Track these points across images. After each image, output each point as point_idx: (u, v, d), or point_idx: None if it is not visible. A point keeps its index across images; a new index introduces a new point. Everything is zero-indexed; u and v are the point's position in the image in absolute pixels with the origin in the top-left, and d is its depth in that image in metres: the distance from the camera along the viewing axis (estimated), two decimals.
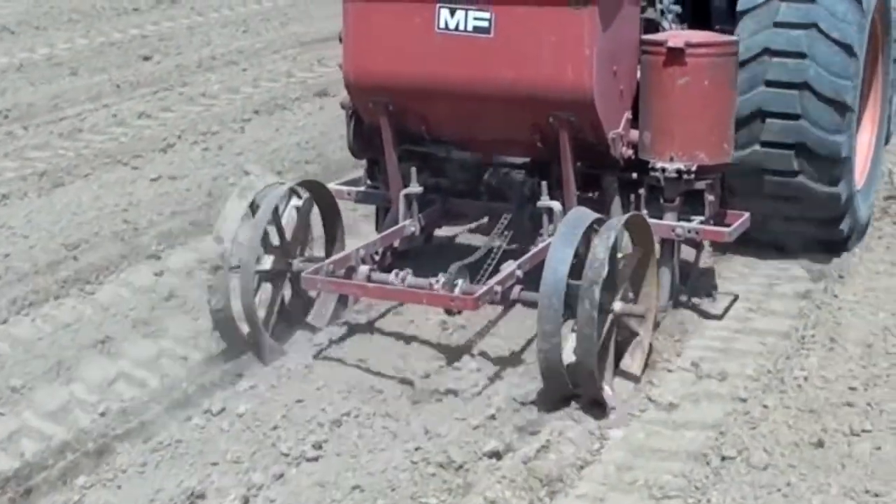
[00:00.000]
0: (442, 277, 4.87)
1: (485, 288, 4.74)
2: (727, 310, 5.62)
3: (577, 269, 4.52)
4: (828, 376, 4.84)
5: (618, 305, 4.69)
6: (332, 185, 5.74)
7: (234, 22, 12.99)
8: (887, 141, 7.53)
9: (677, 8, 6.04)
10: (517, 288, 4.90)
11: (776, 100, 5.75)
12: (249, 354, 5.05)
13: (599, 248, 4.50)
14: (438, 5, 5.06)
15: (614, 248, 4.56)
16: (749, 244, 6.02)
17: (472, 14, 5.02)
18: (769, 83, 5.75)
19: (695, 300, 5.59)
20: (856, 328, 5.31)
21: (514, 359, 5.10)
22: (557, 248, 4.57)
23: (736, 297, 5.74)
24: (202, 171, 7.80)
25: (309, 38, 12.09)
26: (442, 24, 5.07)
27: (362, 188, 5.84)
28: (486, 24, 5.02)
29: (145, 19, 12.91)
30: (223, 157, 8.15)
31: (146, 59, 11.11)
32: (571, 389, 4.60)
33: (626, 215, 4.77)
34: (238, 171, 7.60)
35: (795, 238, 6.13)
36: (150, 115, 9.22)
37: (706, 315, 5.53)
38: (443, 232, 6.26)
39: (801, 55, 5.72)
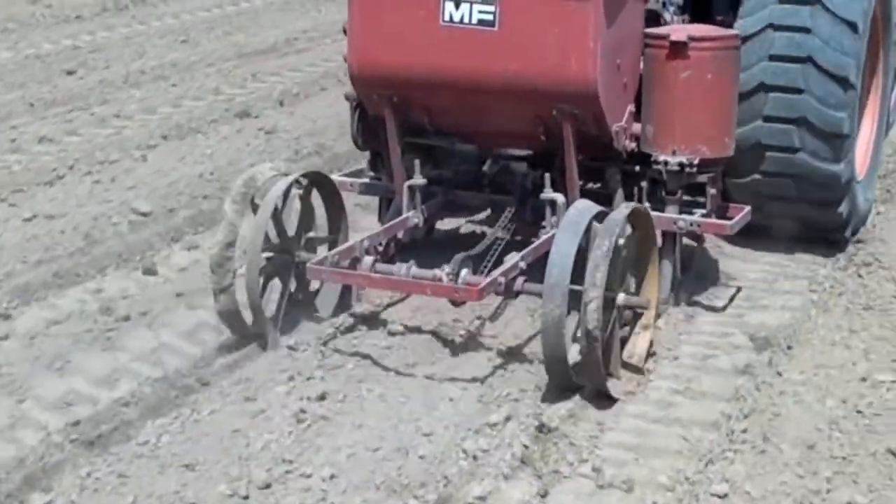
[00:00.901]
0: (446, 268, 4.91)
1: (489, 279, 4.77)
2: (727, 305, 5.64)
3: (580, 261, 4.56)
4: (754, 493, 4.02)
5: (621, 297, 4.72)
6: (335, 177, 5.77)
7: (174, 31, 12.22)
8: (887, 132, 7.58)
9: (679, 0, 6.07)
10: (521, 279, 4.93)
11: (779, 74, 5.77)
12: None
13: (603, 241, 4.53)
14: None
15: (617, 241, 4.59)
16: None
17: (476, 7, 5.05)
18: (773, 57, 5.77)
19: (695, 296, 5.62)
20: (797, 421, 4.50)
21: (517, 349, 5.12)
22: (561, 242, 4.60)
23: (738, 290, 5.77)
24: (84, 210, 6.92)
25: (250, 49, 11.49)
26: (447, 17, 5.09)
27: (365, 179, 5.87)
28: (490, 16, 5.04)
29: (82, 28, 12.12)
30: (112, 191, 7.25)
31: (70, 73, 10.27)
32: (575, 381, 4.64)
33: (629, 207, 4.80)
34: (124, 209, 6.87)
35: (793, 223, 6.11)
36: (52, 140, 8.32)
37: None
38: (444, 223, 6.29)
39: (805, 30, 5.74)
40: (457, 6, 5.07)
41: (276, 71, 10.61)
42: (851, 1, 5.79)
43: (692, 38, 5.18)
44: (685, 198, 5.42)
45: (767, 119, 5.81)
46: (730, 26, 5.82)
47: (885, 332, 5.30)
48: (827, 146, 5.82)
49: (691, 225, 5.30)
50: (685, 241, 5.56)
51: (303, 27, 12.46)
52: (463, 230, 6.41)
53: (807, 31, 5.76)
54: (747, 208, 5.57)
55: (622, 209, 4.79)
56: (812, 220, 6.06)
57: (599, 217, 4.75)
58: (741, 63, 5.53)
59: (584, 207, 4.79)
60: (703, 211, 5.39)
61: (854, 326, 5.36)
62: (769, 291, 5.76)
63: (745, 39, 5.64)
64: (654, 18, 5.85)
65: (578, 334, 4.57)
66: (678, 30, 5.32)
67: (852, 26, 5.76)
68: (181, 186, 7.36)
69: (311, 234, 5.39)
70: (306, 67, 10.74)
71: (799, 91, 5.76)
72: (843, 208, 6.03)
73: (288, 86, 10.04)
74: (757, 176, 5.88)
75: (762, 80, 5.77)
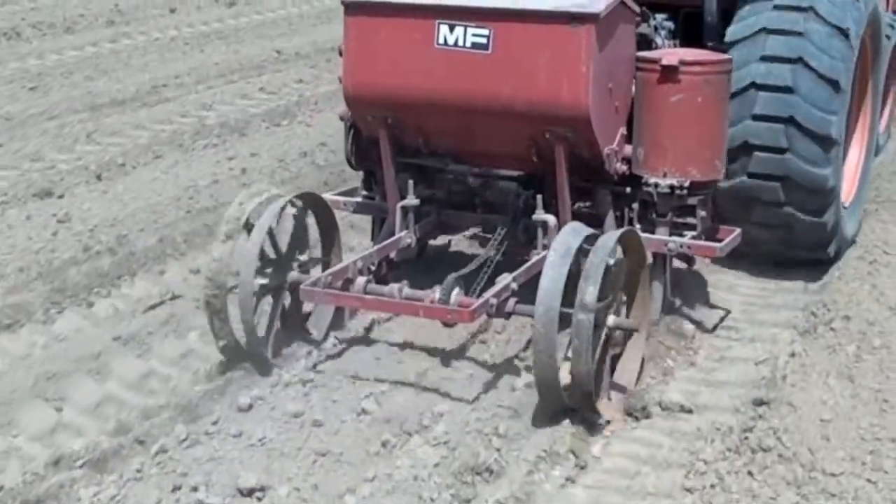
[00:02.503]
0: (438, 290, 4.95)
1: (481, 301, 4.81)
2: (717, 325, 5.70)
3: (571, 283, 4.60)
4: None
5: (611, 319, 4.77)
6: (327, 196, 5.80)
7: (26, 76, 10.81)
8: (876, 154, 7.65)
9: (670, 24, 6.13)
10: (512, 300, 4.97)
11: (762, 133, 5.84)
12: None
13: (593, 264, 4.57)
14: (438, 21, 5.13)
15: (608, 264, 4.63)
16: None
17: (471, 30, 5.09)
18: (756, 117, 5.84)
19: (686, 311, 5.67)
20: None
21: (510, 368, 5.18)
22: (553, 264, 4.64)
23: (728, 312, 5.82)
24: None
25: (106, 99, 10.06)
26: (441, 40, 5.14)
27: (358, 199, 5.90)
28: (484, 40, 5.08)
29: None
30: None
31: None
32: (567, 403, 4.67)
33: (620, 231, 4.84)
34: None
35: (778, 233, 6.14)
36: None
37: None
38: (435, 242, 6.32)
39: (798, 34, 5.81)
40: (451, 29, 5.12)
41: (119, 129, 9.23)
42: (844, 9, 5.86)
43: (683, 62, 5.24)
44: (676, 219, 5.46)
45: (757, 118, 5.86)
46: (721, 52, 5.88)
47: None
48: (812, 201, 5.89)
49: (681, 247, 5.35)
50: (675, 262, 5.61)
51: (177, 71, 11.21)
52: (454, 249, 6.45)
53: (799, 34, 5.83)
54: (737, 231, 5.62)
55: (613, 232, 4.84)
56: (797, 228, 6.04)
57: (590, 239, 4.79)
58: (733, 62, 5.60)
59: (576, 230, 4.83)
60: (694, 233, 5.43)
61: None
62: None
63: (736, 42, 5.74)
64: (646, 43, 5.92)
65: (569, 356, 4.61)
66: (670, 53, 5.37)
67: (834, 84, 5.82)
68: None
69: (305, 255, 5.41)
70: (156, 125, 9.37)
71: (789, 90, 5.82)
72: (827, 217, 6.04)
73: (122, 150, 8.65)
74: (744, 178, 5.93)
75: (753, 80, 5.83)
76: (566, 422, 4.62)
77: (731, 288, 6.15)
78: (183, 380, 5.12)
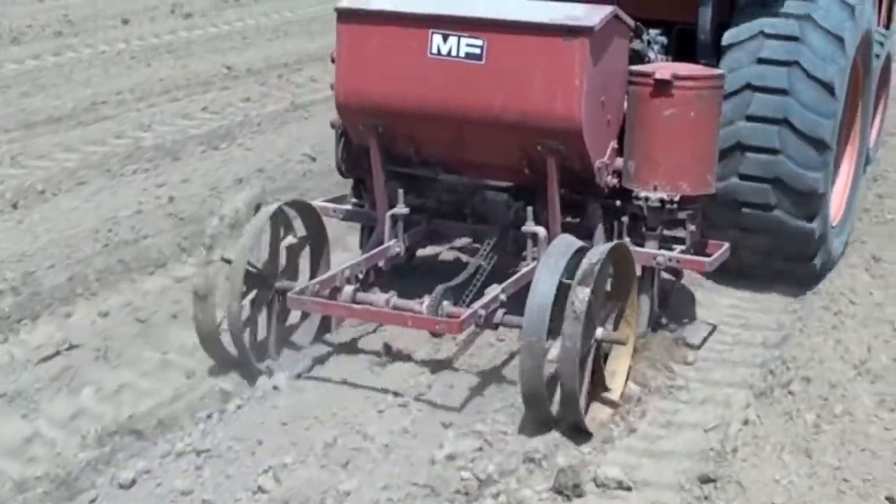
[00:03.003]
0: (427, 299, 4.94)
1: (469, 311, 4.81)
2: (705, 340, 5.68)
3: (560, 296, 4.60)
4: None
5: (599, 332, 4.77)
6: (317, 203, 5.79)
7: None
8: (865, 169, 7.67)
9: (663, 39, 6.14)
10: (501, 311, 4.97)
11: (755, 134, 5.84)
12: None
13: (583, 276, 4.57)
14: (432, 31, 5.13)
15: (597, 278, 4.63)
16: None
17: (464, 41, 5.09)
18: (750, 118, 5.85)
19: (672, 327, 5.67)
20: None
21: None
22: (542, 276, 4.63)
23: (714, 328, 5.81)
24: None
25: (41, 117, 9.60)
26: (435, 50, 5.13)
27: (348, 206, 5.89)
28: (478, 50, 5.08)
29: None
30: None
31: None
32: (553, 415, 4.67)
33: (610, 245, 4.84)
34: None
35: (767, 271, 6.20)
36: None
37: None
38: (425, 251, 6.31)
39: (783, 91, 5.82)
40: (445, 39, 5.11)
41: (48, 151, 8.72)
42: (829, 62, 5.87)
43: (676, 77, 5.24)
44: (665, 233, 5.47)
45: (750, 119, 5.86)
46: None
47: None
48: (802, 205, 5.89)
49: (670, 260, 5.35)
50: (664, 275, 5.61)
51: (120, 87, 10.74)
52: (444, 258, 6.44)
53: (796, 39, 5.84)
54: (726, 245, 5.63)
55: (603, 245, 4.84)
56: (784, 233, 6.05)
57: (580, 253, 4.79)
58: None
59: (566, 243, 4.83)
60: (683, 247, 5.44)
61: None
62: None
63: (733, 46, 5.77)
64: (638, 58, 5.93)
65: (557, 368, 4.60)
66: (663, 67, 5.37)
67: (829, 88, 5.84)
68: None
69: (294, 263, 5.40)
70: (88, 146, 8.86)
71: (784, 92, 5.82)
72: (817, 260, 6.14)
73: (46, 175, 8.14)
74: (735, 179, 5.93)
75: (748, 81, 5.84)
76: None
77: None
78: (68, 445, 4.63)
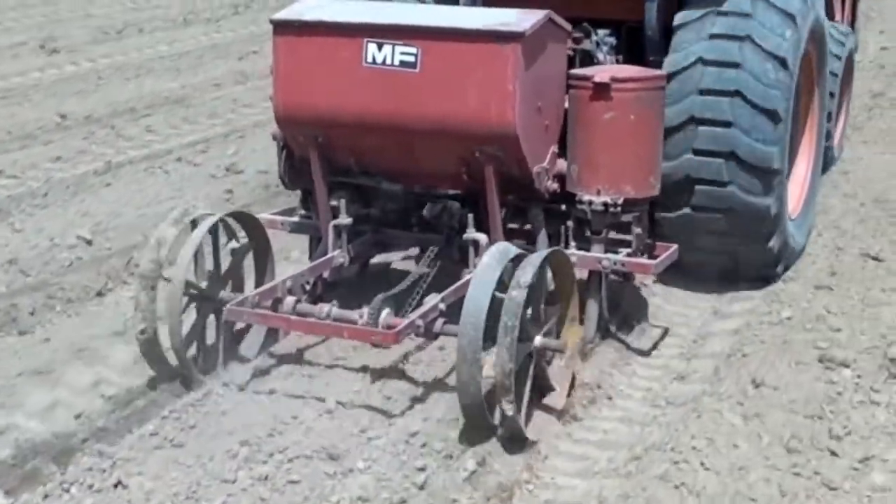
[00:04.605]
0: (366, 310, 4.91)
1: (406, 322, 4.78)
2: (655, 345, 5.65)
3: (496, 304, 4.56)
4: None
5: (538, 340, 4.73)
6: (265, 215, 5.78)
7: None
8: (827, 168, 7.65)
9: (612, 40, 6.12)
10: (440, 321, 4.94)
11: (708, 107, 5.79)
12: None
13: (517, 284, 4.54)
14: (366, 39, 5.11)
15: (533, 284, 4.60)
16: None
17: (398, 49, 5.07)
18: (702, 91, 5.79)
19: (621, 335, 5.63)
20: None
21: (440, 384, 5.10)
22: (477, 284, 4.60)
23: (666, 331, 5.78)
24: None
25: None
26: (369, 59, 5.11)
27: (295, 218, 5.87)
28: (412, 58, 5.06)
29: None
30: None
31: None
32: (491, 422, 4.64)
33: (547, 251, 4.81)
34: None
35: (724, 259, 6.12)
36: None
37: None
38: (382, 259, 6.29)
39: (735, 65, 5.77)
40: (379, 48, 5.10)
41: None
42: (780, 36, 5.83)
43: (615, 80, 5.21)
44: (616, 236, 5.43)
45: (697, 153, 5.83)
46: (661, 66, 5.86)
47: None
48: (756, 180, 5.83)
49: (615, 264, 5.32)
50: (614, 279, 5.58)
51: None
52: (397, 268, 6.41)
53: (736, 65, 5.79)
54: (674, 247, 5.58)
55: (540, 252, 4.80)
56: (743, 254, 6.05)
57: (517, 259, 4.76)
58: (671, 97, 5.58)
59: (502, 250, 4.80)
60: (629, 250, 5.40)
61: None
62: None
63: (674, 75, 5.68)
64: (587, 58, 5.90)
65: (494, 377, 4.57)
66: (602, 71, 5.34)
67: (781, 61, 5.79)
68: None
69: (239, 275, 5.38)
70: None
71: (728, 125, 5.77)
72: (773, 243, 6.05)
73: None
74: (687, 210, 5.90)
75: (692, 114, 5.80)
76: None
77: None
78: None
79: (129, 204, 7.81)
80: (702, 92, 5.79)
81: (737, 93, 5.75)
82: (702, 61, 5.81)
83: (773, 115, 5.79)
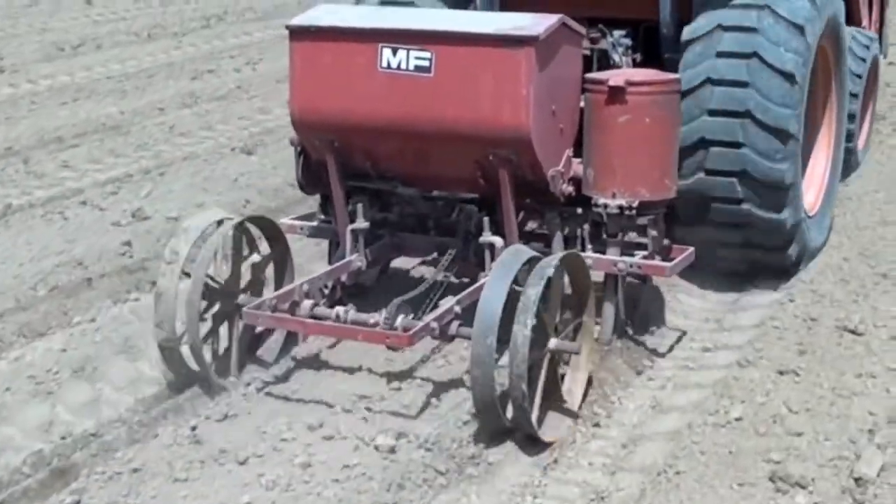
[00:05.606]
0: (383, 313, 4.95)
1: (421, 324, 4.81)
2: (672, 347, 5.64)
3: (511, 306, 4.59)
4: None
5: (552, 342, 4.75)
6: (284, 220, 5.84)
7: None
8: (849, 174, 7.60)
9: (627, 41, 6.13)
10: (455, 323, 4.96)
11: (718, 128, 5.79)
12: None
13: (531, 287, 4.56)
14: (381, 45, 5.15)
15: (548, 286, 4.62)
16: None
17: (413, 53, 5.10)
18: (711, 112, 5.80)
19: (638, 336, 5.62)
20: None
21: (457, 386, 5.10)
22: (491, 286, 4.63)
23: (683, 334, 5.77)
24: None
25: None
26: (384, 63, 5.15)
27: (314, 223, 5.91)
28: (427, 63, 5.09)
29: None
30: None
31: None
32: (507, 424, 4.66)
33: (561, 253, 4.83)
34: None
35: (742, 264, 6.15)
36: None
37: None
38: (402, 262, 6.32)
39: (743, 84, 5.77)
40: (394, 53, 5.13)
41: None
42: (788, 51, 5.81)
43: (630, 83, 5.23)
44: (634, 238, 5.42)
45: (712, 113, 5.81)
46: (678, 63, 5.87)
47: None
48: (771, 142, 5.80)
49: (631, 267, 5.32)
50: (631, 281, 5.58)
51: None
52: (416, 271, 6.43)
53: (754, 30, 5.79)
54: (690, 249, 5.59)
55: (555, 255, 4.82)
56: (755, 226, 5.99)
57: (531, 262, 4.78)
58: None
59: (516, 252, 4.82)
60: (645, 252, 5.41)
61: None
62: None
63: (685, 94, 5.68)
64: (604, 59, 5.92)
65: (508, 378, 4.59)
66: (617, 74, 5.36)
67: (789, 77, 5.78)
68: None
69: (258, 279, 5.43)
70: None
71: (745, 85, 5.77)
72: (792, 250, 6.08)
73: None
74: (701, 175, 5.88)
75: (708, 76, 5.79)
76: None
77: None
78: None
79: (11, 259, 6.80)
80: (711, 113, 5.81)
81: (746, 113, 5.76)
82: (710, 81, 5.82)
83: (783, 134, 5.79)
